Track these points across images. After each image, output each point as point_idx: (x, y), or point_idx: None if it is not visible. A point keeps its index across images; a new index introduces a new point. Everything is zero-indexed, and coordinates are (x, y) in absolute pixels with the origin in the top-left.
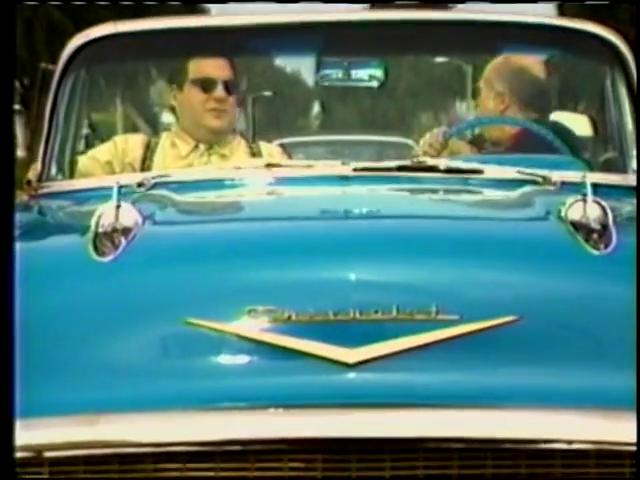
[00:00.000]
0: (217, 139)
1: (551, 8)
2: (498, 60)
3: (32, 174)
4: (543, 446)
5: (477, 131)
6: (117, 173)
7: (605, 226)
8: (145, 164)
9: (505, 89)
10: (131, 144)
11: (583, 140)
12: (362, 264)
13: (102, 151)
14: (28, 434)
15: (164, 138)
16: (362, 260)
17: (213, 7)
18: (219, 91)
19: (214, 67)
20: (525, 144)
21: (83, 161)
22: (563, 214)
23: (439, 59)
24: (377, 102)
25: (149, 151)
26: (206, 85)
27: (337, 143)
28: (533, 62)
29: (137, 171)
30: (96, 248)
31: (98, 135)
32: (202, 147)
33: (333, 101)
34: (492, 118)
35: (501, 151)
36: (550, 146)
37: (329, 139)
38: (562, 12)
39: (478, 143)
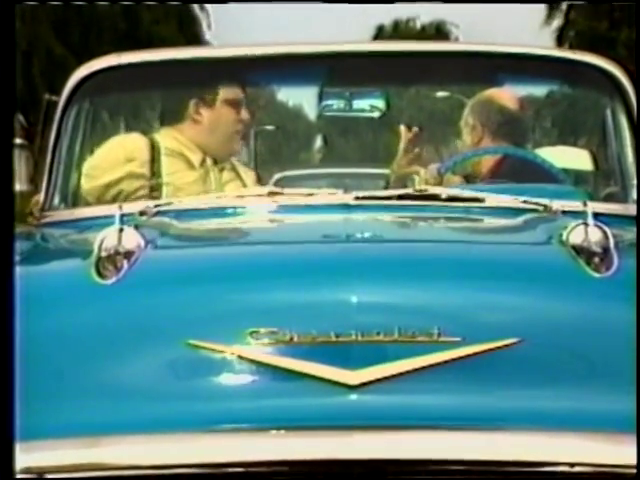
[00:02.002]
0: (230, 158)
1: (549, 39)
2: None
3: (34, 206)
4: (545, 469)
5: (466, 165)
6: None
7: (606, 250)
8: (154, 167)
9: (477, 121)
10: (133, 146)
11: (577, 172)
12: (364, 286)
13: (111, 163)
14: (29, 457)
15: (167, 140)
16: (364, 282)
17: (215, 38)
18: (245, 113)
19: (238, 90)
20: (508, 169)
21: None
22: (564, 238)
23: (440, 94)
24: (379, 135)
25: (155, 153)
26: (237, 106)
27: (339, 175)
28: (502, 94)
29: (147, 176)
30: (98, 271)
31: None
32: (209, 161)
33: (335, 135)
34: (477, 150)
35: (494, 180)
36: (533, 165)
37: (331, 172)
38: (560, 42)
39: (471, 175)
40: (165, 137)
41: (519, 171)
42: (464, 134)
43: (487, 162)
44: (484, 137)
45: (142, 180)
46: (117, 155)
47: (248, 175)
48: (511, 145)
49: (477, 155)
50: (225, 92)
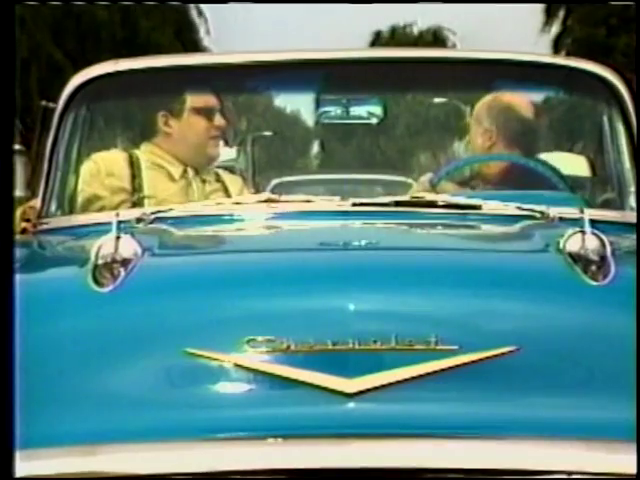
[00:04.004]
0: (209, 165)
1: (546, 46)
2: (488, 97)
3: (29, 211)
4: (543, 477)
5: (466, 171)
6: (105, 192)
7: (603, 257)
8: (135, 182)
9: (492, 126)
10: (113, 162)
11: (573, 178)
12: (361, 294)
13: (91, 178)
14: (28, 465)
15: (146, 154)
16: (361, 290)
17: (213, 45)
18: (219, 119)
19: (210, 97)
20: (514, 178)
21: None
22: (561, 246)
23: (437, 100)
24: (376, 141)
25: (135, 168)
26: (208, 113)
27: (337, 182)
28: (521, 101)
29: (128, 190)
30: (95, 279)
31: None
32: (190, 172)
33: (333, 141)
34: (477, 157)
35: (491, 187)
36: (540, 178)
37: (329, 178)
38: (557, 49)
39: (467, 182)
40: (144, 151)
41: (518, 178)
42: (475, 135)
43: (488, 169)
44: (497, 143)
45: (123, 194)
46: (97, 171)
47: (235, 184)
48: (524, 154)
49: (468, 163)
50: (192, 101)
